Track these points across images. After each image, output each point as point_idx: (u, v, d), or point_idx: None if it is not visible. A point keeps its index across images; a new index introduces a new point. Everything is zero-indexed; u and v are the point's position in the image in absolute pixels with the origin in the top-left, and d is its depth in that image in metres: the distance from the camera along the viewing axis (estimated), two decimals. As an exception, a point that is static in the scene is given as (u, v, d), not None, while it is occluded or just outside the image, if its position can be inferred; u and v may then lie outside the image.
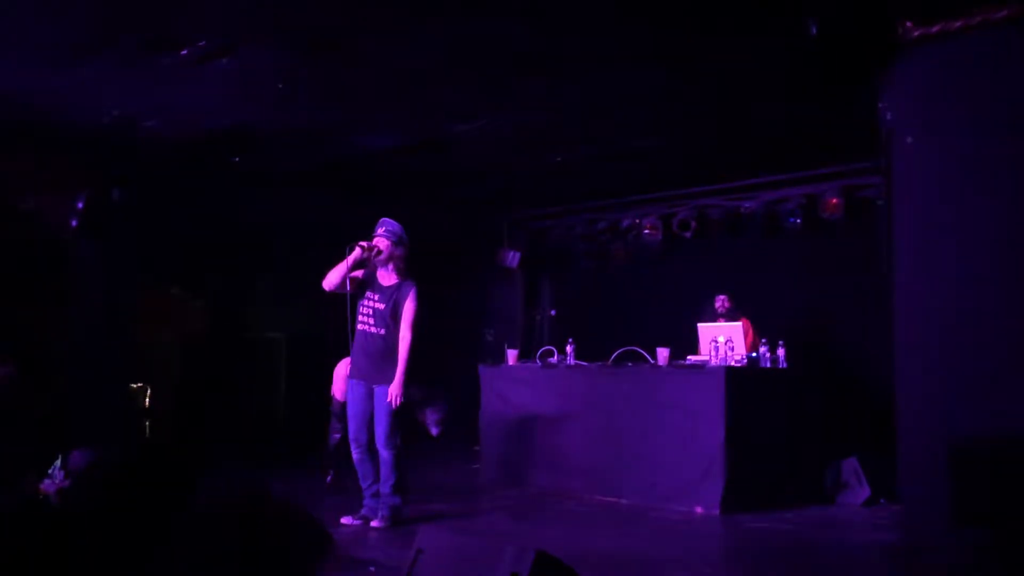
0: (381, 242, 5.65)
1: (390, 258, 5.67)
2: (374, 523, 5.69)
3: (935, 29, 3.53)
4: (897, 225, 3.85)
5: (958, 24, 3.47)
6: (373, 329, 5.69)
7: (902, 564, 4.14)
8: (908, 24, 3.60)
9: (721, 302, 8.33)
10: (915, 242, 3.84)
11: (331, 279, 5.62)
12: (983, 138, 3.66)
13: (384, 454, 5.67)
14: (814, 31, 3.62)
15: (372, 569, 4.70)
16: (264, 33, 5.52)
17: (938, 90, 3.80)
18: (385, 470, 5.70)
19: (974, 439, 3.10)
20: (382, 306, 5.71)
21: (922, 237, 3.82)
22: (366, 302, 5.74)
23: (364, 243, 5.60)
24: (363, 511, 5.81)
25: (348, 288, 5.61)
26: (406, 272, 5.77)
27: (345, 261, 5.57)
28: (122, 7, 5.14)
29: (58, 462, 2.78)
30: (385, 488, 5.73)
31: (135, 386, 9.25)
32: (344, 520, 5.79)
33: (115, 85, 6.46)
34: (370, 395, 5.70)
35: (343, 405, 6.82)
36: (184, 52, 5.73)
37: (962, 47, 3.60)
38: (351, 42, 5.67)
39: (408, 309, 5.65)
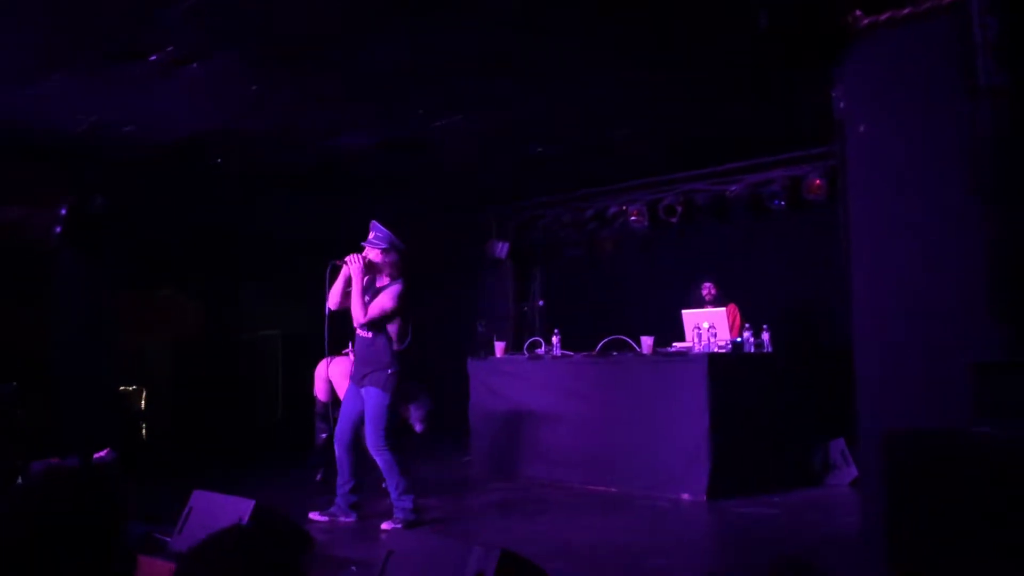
0: (371, 252, 5.64)
1: (383, 265, 5.68)
2: (385, 524, 5.62)
3: (884, 17, 3.53)
4: (853, 215, 3.86)
5: (906, 11, 3.47)
6: (361, 332, 5.69)
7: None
8: (857, 13, 3.60)
9: (707, 289, 8.31)
10: (871, 232, 3.84)
11: (331, 300, 5.68)
12: (935, 124, 3.66)
13: (376, 459, 5.60)
14: (764, 23, 3.63)
15: (353, 568, 4.74)
16: (235, 40, 5.52)
17: (889, 77, 3.79)
18: (385, 474, 5.64)
19: (920, 436, 3.10)
20: None
21: (877, 226, 3.82)
22: None
23: (351, 256, 5.58)
24: (332, 508, 5.81)
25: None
26: (399, 274, 5.74)
27: (337, 281, 5.62)
28: (88, 18, 5.15)
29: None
30: (392, 492, 5.67)
31: (130, 389, 9.31)
32: (312, 515, 5.80)
33: (88, 93, 6.48)
34: (359, 396, 5.70)
35: (326, 405, 6.87)
36: (153, 58, 5.74)
37: (912, 34, 3.59)
38: (321, 47, 5.67)
39: (379, 300, 5.59)
